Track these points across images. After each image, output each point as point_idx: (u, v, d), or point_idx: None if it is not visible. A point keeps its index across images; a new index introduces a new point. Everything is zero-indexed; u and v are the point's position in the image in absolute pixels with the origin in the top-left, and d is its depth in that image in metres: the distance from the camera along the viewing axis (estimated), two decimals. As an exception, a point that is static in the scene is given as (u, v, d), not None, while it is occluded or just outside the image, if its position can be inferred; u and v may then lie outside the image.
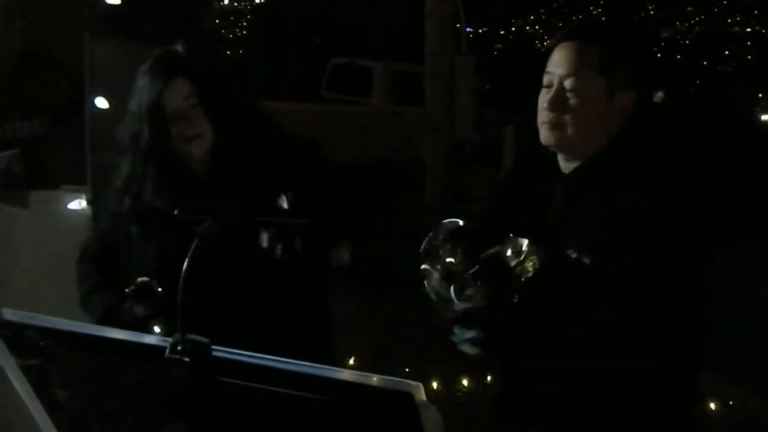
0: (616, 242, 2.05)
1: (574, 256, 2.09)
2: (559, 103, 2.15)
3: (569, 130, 2.15)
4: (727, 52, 41.88)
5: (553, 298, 2.01)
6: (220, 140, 2.41)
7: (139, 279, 2.28)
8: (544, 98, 2.18)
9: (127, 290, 2.30)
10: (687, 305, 2.06)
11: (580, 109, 2.13)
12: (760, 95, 25.81)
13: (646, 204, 2.07)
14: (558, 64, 2.17)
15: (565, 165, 2.23)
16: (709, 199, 2.15)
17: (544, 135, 2.19)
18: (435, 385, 4.78)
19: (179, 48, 2.46)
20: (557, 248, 2.13)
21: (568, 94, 2.14)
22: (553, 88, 2.17)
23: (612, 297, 2.01)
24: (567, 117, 2.14)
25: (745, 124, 21.18)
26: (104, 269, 2.55)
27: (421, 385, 1.33)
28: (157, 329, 2.27)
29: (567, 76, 2.15)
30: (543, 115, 2.18)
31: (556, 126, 2.16)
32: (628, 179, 2.11)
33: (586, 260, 2.08)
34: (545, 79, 2.19)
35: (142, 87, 2.40)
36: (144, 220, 2.42)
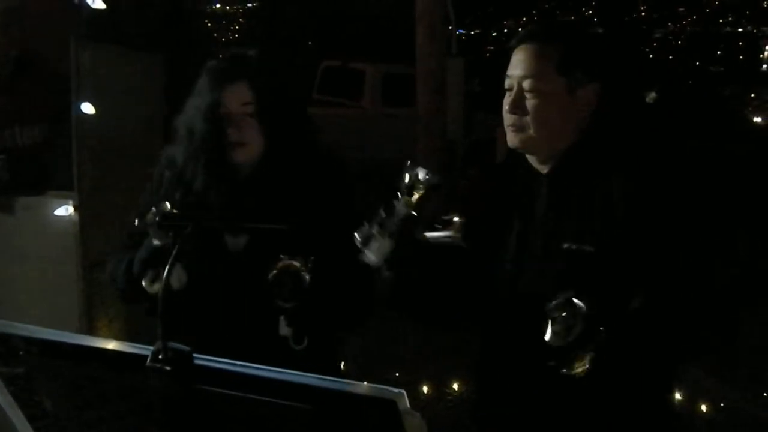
0: (597, 236, 2.06)
1: (561, 252, 2.09)
2: (520, 104, 2.16)
3: (531, 131, 2.16)
4: (719, 52, 41.99)
5: (541, 298, 2.01)
6: (268, 151, 2.41)
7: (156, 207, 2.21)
8: (505, 101, 2.19)
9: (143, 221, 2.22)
10: (680, 292, 2.06)
11: (540, 109, 2.14)
12: (751, 95, 25.86)
13: (623, 194, 2.08)
14: (516, 66, 2.19)
15: (539, 166, 2.24)
16: (688, 186, 2.16)
17: (510, 138, 2.21)
18: (425, 388, 4.77)
19: (245, 52, 2.48)
20: (544, 248, 2.15)
21: (527, 95, 2.16)
22: (513, 91, 2.18)
23: (606, 291, 2.00)
24: (528, 118, 2.15)
25: (737, 123, 21.25)
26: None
27: (404, 392, 1.32)
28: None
29: (525, 77, 2.16)
30: (506, 119, 2.20)
31: (519, 128, 2.17)
32: (602, 171, 2.12)
33: (572, 256, 2.08)
34: (506, 83, 2.21)
35: (204, 84, 2.41)
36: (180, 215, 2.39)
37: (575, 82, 2.15)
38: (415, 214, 2.06)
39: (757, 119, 23.67)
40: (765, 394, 5.01)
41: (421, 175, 2.06)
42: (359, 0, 21.82)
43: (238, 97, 2.38)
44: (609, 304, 1.98)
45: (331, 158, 2.57)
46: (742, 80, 30.05)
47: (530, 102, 2.15)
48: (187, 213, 1.86)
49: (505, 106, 2.19)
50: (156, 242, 2.20)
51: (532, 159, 2.24)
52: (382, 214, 2.07)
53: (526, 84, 2.15)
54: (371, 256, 2.07)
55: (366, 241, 2.08)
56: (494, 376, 2.34)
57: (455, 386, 4.81)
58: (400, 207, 2.06)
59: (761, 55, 39.55)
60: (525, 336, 2.08)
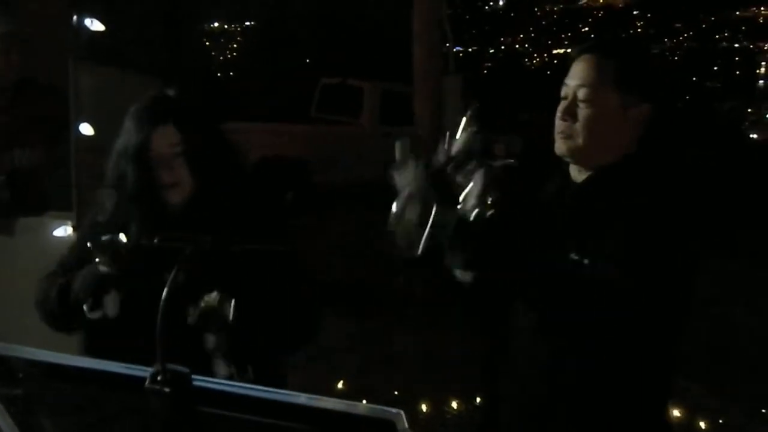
0: (626, 252, 2.05)
1: (585, 263, 2.09)
2: (571, 112, 2.18)
3: (580, 140, 2.17)
4: (715, 68, 42.12)
5: (563, 306, 2.02)
6: (197, 191, 2.40)
7: (104, 238, 2.22)
8: (559, 108, 2.21)
9: (89, 243, 2.22)
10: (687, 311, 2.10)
11: (592, 119, 2.16)
12: (748, 110, 25.93)
13: (659, 216, 2.09)
14: (574, 76, 2.21)
15: (577, 175, 2.25)
16: (712, 209, 2.19)
17: (558, 144, 2.22)
18: (424, 407, 4.76)
19: (170, 93, 2.46)
20: (568, 255, 2.14)
21: (581, 104, 2.17)
22: (568, 99, 2.20)
23: (626, 305, 2.01)
24: (578, 126, 2.17)
25: (733, 139, 21.29)
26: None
27: (402, 413, 1.33)
28: (112, 298, 2.23)
29: (581, 86, 2.18)
30: (557, 125, 2.21)
31: (568, 136, 2.19)
32: (641, 192, 2.12)
33: (597, 268, 2.08)
34: (562, 91, 2.22)
35: (131, 128, 2.39)
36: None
37: (629, 100, 2.17)
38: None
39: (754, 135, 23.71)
40: (763, 411, 5.01)
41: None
42: (357, 18, 21.88)
43: (166, 138, 2.37)
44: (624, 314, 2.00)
45: (261, 185, 2.61)
46: (739, 96, 30.11)
47: (582, 111, 2.17)
48: (185, 235, 1.86)
49: (558, 113, 2.21)
50: (103, 269, 2.20)
51: (573, 169, 2.26)
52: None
53: (581, 93, 2.17)
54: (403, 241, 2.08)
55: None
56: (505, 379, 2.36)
57: (454, 405, 4.81)
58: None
59: (758, 71, 39.65)
60: (533, 343, 2.12)
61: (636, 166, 2.19)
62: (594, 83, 2.16)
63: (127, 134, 2.40)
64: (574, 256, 2.10)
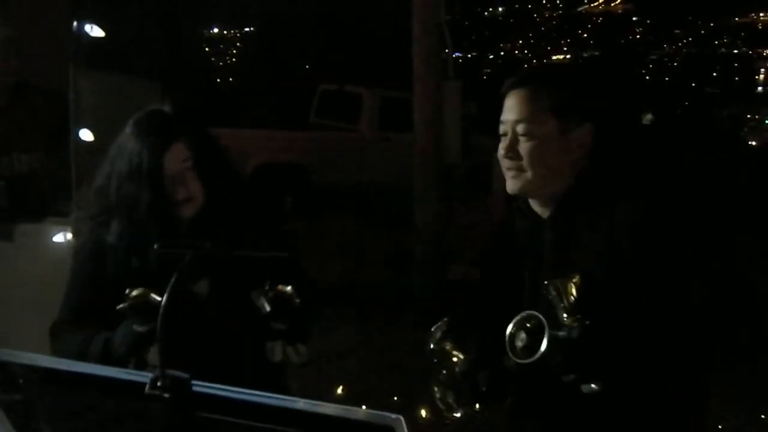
0: (604, 274, 2.05)
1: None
2: (514, 149, 2.17)
3: (529, 175, 2.16)
4: (714, 74, 42.16)
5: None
6: (208, 201, 2.41)
7: (134, 292, 2.17)
8: (500, 146, 2.20)
9: (120, 307, 2.18)
10: (689, 328, 2.07)
11: (535, 152, 2.15)
12: (747, 116, 25.97)
13: (625, 231, 2.08)
14: (509, 111, 2.19)
15: (540, 209, 2.24)
16: (687, 212, 2.17)
17: (508, 183, 2.21)
18: (423, 413, 4.75)
19: (169, 110, 2.43)
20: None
21: (521, 139, 2.16)
22: (508, 136, 2.18)
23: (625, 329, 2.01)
24: (524, 162, 2.16)
25: (732, 144, 21.31)
26: (88, 325, 2.39)
27: (402, 418, 1.33)
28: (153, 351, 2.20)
29: (518, 121, 2.17)
30: (503, 164, 2.20)
31: (516, 173, 2.18)
32: (602, 211, 2.12)
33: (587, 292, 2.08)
34: (501, 129, 2.21)
35: (137, 149, 2.34)
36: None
37: (569, 124, 2.15)
38: None
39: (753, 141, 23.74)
40: (762, 417, 5.01)
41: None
42: (356, 24, 21.90)
43: (178, 156, 2.36)
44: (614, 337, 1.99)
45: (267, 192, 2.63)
46: (738, 101, 30.15)
47: (524, 146, 2.15)
48: (184, 242, 1.86)
49: (501, 152, 2.20)
50: (138, 329, 2.17)
51: (533, 203, 2.25)
52: None
53: (519, 128, 2.16)
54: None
55: None
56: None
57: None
58: None
59: (757, 77, 39.70)
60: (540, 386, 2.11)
61: (593, 183, 2.18)
62: (531, 116, 2.15)
63: (133, 155, 2.35)
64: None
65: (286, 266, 2.35)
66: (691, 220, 2.15)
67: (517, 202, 2.29)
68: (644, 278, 2.04)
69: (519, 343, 1.95)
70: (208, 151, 2.43)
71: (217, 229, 2.35)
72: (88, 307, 2.41)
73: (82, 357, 2.34)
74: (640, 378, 2.04)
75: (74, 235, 2.52)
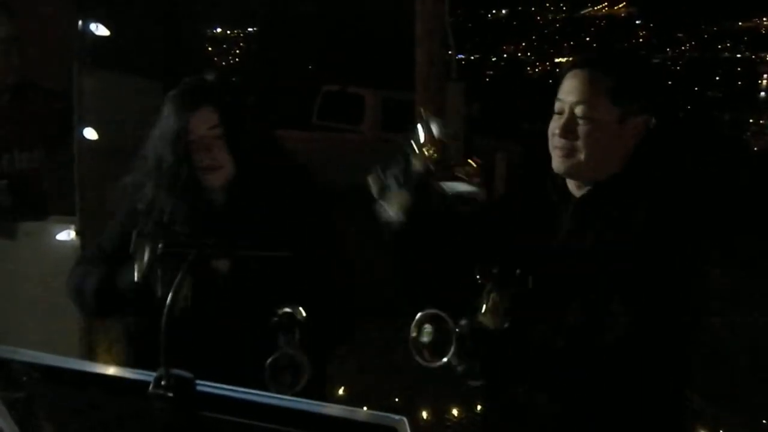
0: (628, 263, 2.06)
1: (585, 276, 2.10)
2: (571, 129, 2.17)
3: (581, 157, 2.16)
4: (717, 78, 42.13)
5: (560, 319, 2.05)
6: (240, 173, 2.41)
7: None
8: (555, 124, 2.20)
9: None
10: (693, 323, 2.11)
11: (591, 135, 2.15)
12: (750, 120, 25.93)
13: (659, 226, 2.08)
14: (569, 92, 2.19)
15: (576, 190, 2.25)
16: (715, 218, 2.19)
17: (557, 162, 2.21)
18: (424, 414, 4.75)
19: (209, 76, 2.47)
20: (568, 269, 2.15)
21: (580, 121, 2.16)
22: (565, 115, 2.18)
23: (628, 318, 2.02)
24: (579, 143, 2.16)
25: (735, 148, 21.29)
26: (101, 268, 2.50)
27: (405, 419, 1.33)
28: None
29: (578, 103, 2.16)
30: (555, 141, 2.20)
31: (569, 153, 2.17)
32: (640, 202, 2.13)
33: (598, 279, 2.08)
34: (556, 106, 2.21)
35: (169, 113, 2.41)
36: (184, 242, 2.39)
37: (627, 112, 2.16)
38: (432, 167, 2.06)
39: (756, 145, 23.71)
40: (764, 421, 5.00)
41: (435, 128, 2.06)
42: (359, 25, 21.90)
43: (204, 121, 2.38)
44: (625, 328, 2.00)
45: (301, 173, 2.60)
46: (740, 106, 30.14)
47: (582, 128, 2.15)
48: (191, 241, 1.86)
49: (555, 130, 2.19)
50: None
51: (571, 183, 2.25)
52: (399, 164, 2.08)
53: (578, 110, 2.16)
54: (388, 208, 2.08)
55: (381, 193, 2.09)
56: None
57: (455, 412, 4.80)
58: (416, 160, 2.07)
59: (760, 81, 39.70)
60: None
61: (636, 177, 2.19)
62: (591, 99, 2.15)
63: (165, 119, 2.41)
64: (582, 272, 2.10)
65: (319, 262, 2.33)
66: (700, 221, 2.16)
67: (554, 178, 2.28)
68: (661, 279, 2.05)
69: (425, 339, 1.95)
70: (240, 122, 2.43)
71: (248, 204, 2.36)
72: (111, 256, 2.47)
73: (78, 285, 2.48)
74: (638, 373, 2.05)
75: (113, 203, 2.56)
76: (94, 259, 2.56)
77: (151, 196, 2.44)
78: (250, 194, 2.40)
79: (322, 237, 2.41)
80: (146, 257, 2.16)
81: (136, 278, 2.18)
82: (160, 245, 2.07)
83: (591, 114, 2.15)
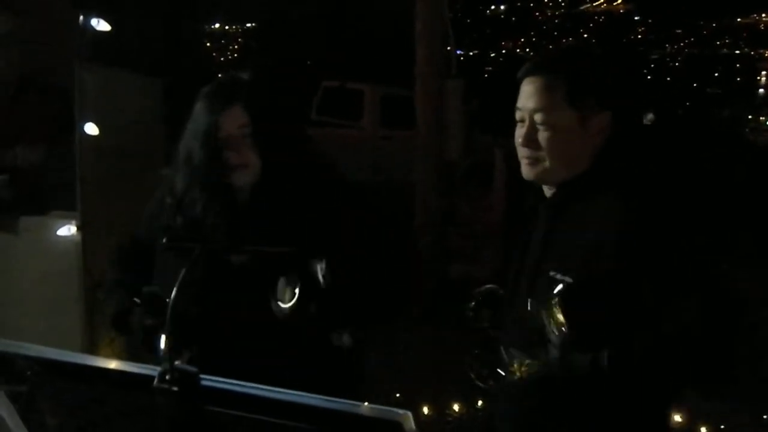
0: (595, 261, 2.05)
1: (557, 276, 2.08)
2: (532, 138, 2.17)
3: (547, 164, 2.17)
4: (716, 74, 42.08)
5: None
6: (265, 174, 2.42)
7: (146, 288, 2.26)
8: (518, 134, 2.20)
9: (136, 299, 2.29)
10: (681, 315, 2.05)
11: (554, 141, 2.15)
12: (749, 117, 25.94)
13: (628, 220, 2.07)
14: (527, 99, 2.18)
15: (550, 194, 2.25)
16: (689, 212, 2.17)
17: (525, 170, 2.21)
18: (425, 409, 4.76)
19: (243, 75, 2.49)
20: (534, 271, 2.17)
21: (540, 128, 2.16)
22: (526, 124, 2.18)
23: (607, 320, 2.02)
24: (542, 153, 2.16)
25: (733, 144, 21.29)
26: (130, 266, 2.58)
27: (410, 413, 1.33)
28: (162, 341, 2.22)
29: (536, 110, 2.16)
30: (520, 151, 2.20)
31: (534, 161, 2.18)
32: (600, 201, 2.12)
33: (568, 280, 2.07)
34: (517, 115, 2.21)
35: (200, 110, 2.43)
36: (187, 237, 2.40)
37: (586, 113, 2.15)
38: None
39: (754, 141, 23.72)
40: (765, 417, 5.00)
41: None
42: (358, 20, 21.89)
43: (235, 120, 2.39)
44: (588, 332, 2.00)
45: (331, 174, 2.60)
46: (739, 102, 30.12)
47: (543, 135, 2.15)
48: (195, 236, 1.87)
49: (518, 139, 2.19)
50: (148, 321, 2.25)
51: (546, 188, 2.25)
52: None
53: (537, 117, 2.15)
54: None
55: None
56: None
57: (456, 407, 4.81)
58: None
59: (758, 78, 39.67)
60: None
61: (601, 174, 2.18)
62: (548, 105, 2.15)
63: (197, 116, 2.43)
64: (554, 273, 2.10)
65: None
66: (692, 220, 2.15)
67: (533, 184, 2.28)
68: (630, 277, 2.03)
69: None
70: (270, 122, 2.44)
71: (273, 205, 2.37)
72: (143, 249, 2.53)
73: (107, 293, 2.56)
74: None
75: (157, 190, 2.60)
76: (126, 249, 2.66)
77: (180, 191, 2.46)
78: (275, 194, 2.40)
79: (350, 236, 2.40)
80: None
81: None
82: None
83: (550, 120, 2.14)
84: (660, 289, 2.03)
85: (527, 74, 2.20)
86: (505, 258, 2.34)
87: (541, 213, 2.26)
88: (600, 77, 2.23)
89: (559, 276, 2.08)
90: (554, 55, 2.58)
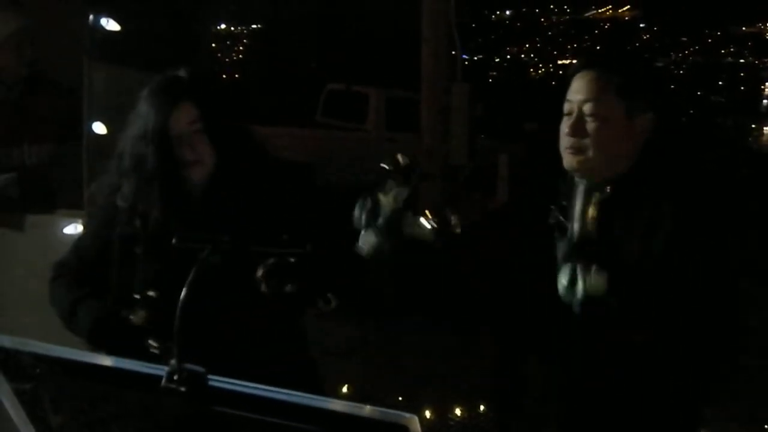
0: (646, 261, 2.12)
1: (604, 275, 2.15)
2: (580, 128, 2.21)
3: (591, 154, 2.21)
4: (720, 83, 42.12)
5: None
6: (220, 167, 2.41)
7: (145, 292, 2.23)
8: (565, 124, 2.24)
9: (136, 296, 2.24)
10: (723, 317, 2.14)
11: (600, 132, 2.20)
12: (752, 125, 25.95)
13: (674, 222, 2.13)
14: (577, 91, 2.24)
15: (586, 188, 2.28)
16: (729, 212, 2.22)
17: (567, 160, 2.25)
18: (427, 413, 4.76)
19: (183, 72, 2.46)
20: (585, 269, 2.19)
21: (588, 119, 2.21)
22: (574, 114, 2.23)
23: (645, 320, 2.07)
24: (587, 141, 2.20)
25: (737, 153, 21.31)
26: (85, 284, 2.51)
27: (415, 417, 1.34)
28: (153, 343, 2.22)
29: (586, 101, 2.21)
30: (565, 141, 2.24)
31: (578, 151, 2.22)
32: (653, 200, 2.18)
33: (616, 279, 2.13)
34: (566, 107, 2.26)
35: (148, 110, 2.40)
36: (148, 241, 2.40)
37: (634, 109, 2.21)
38: (401, 206, 2.08)
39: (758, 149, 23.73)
40: (766, 427, 5.00)
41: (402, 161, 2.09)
42: (364, 23, 21.91)
43: (185, 117, 2.38)
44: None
45: (293, 169, 2.62)
46: (743, 110, 30.13)
47: (590, 125, 2.20)
48: (204, 236, 1.86)
49: (564, 129, 2.24)
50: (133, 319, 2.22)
51: (581, 182, 2.28)
52: (368, 205, 2.10)
53: (586, 108, 2.20)
54: (361, 246, 2.09)
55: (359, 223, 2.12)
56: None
57: (458, 411, 4.81)
58: (385, 201, 2.08)
59: (762, 86, 39.68)
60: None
61: (647, 173, 2.23)
62: (599, 97, 2.20)
63: (144, 116, 2.40)
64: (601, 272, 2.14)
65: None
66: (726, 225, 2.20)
67: (565, 178, 2.32)
68: (672, 278, 2.10)
69: None
70: (220, 116, 2.43)
71: (229, 199, 2.36)
72: (89, 267, 2.50)
73: (69, 315, 2.48)
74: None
75: (90, 204, 2.57)
76: (75, 271, 2.55)
77: (132, 195, 2.42)
78: (230, 188, 2.40)
79: (305, 232, 2.39)
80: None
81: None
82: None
83: (599, 111, 2.20)
84: (708, 283, 2.11)
85: (580, 69, 2.27)
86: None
87: (586, 208, 2.27)
88: (650, 78, 2.32)
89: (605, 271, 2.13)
90: (608, 52, 2.67)
